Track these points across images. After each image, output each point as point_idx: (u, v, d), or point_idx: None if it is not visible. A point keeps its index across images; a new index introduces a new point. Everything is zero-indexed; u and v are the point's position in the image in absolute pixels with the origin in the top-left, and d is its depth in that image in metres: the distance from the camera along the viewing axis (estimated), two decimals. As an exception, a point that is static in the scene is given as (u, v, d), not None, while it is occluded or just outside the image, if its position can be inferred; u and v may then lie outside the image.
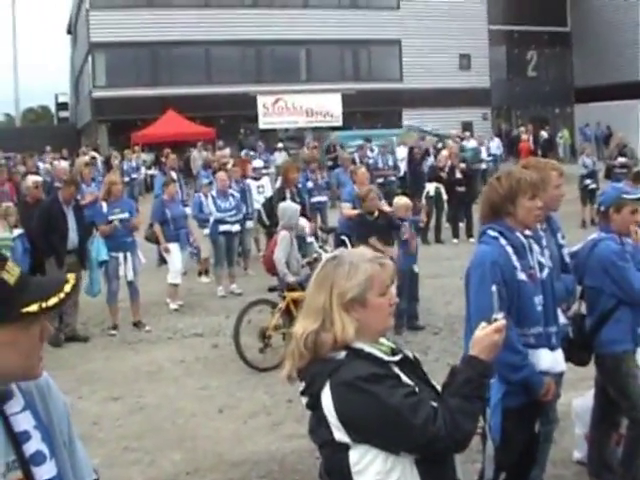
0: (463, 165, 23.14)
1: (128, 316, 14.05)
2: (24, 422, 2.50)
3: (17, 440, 2.46)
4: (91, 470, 2.82)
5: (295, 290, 11.34)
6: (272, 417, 9.39)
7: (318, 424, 3.40)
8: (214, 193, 16.66)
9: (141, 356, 12.36)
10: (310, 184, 20.49)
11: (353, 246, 12.22)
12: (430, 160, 27.73)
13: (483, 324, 3.58)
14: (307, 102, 50.15)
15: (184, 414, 9.67)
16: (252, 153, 34.27)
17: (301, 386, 3.46)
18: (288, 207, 12.55)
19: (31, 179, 15.83)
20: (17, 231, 13.08)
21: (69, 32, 72.08)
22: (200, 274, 17.94)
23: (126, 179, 31.83)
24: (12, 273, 2.40)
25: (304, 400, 3.48)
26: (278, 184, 17.32)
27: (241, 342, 11.23)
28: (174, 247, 15.31)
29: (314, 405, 3.39)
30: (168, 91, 46.36)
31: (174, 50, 48.33)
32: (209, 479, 7.84)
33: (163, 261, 16.45)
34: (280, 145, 39.28)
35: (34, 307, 2.36)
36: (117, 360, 12.18)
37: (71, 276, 2.53)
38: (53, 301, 2.40)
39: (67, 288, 2.46)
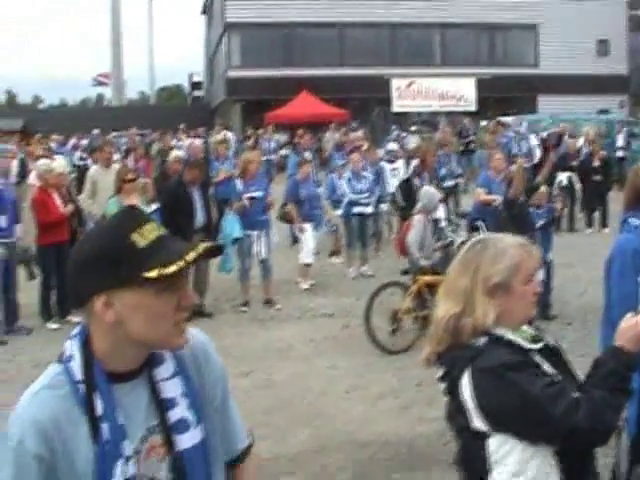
0: (603, 152, 22.63)
1: (259, 294, 14.18)
2: (172, 389, 2.51)
3: (162, 406, 2.48)
4: (244, 435, 2.84)
5: (427, 274, 11.30)
6: (400, 400, 9.37)
7: (456, 411, 3.37)
8: (348, 174, 16.64)
9: (271, 333, 12.47)
10: (444, 168, 20.31)
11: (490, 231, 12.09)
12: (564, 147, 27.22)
13: (629, 315, 3.45)
14: (441, 86, 49.89)
15: (313, 392, 9.74)
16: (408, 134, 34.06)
17: (440, 371, 3.43)
18: (428, 191, 12.55)
19: (174, 154, 16.38)
20: (154, 206, 13.37)
21: (204, 12, 73.00)
22: (332, 254, 17.99)
23: (264, 158, 31.93)
24: (145, 236, 2.34)
25: (442, 386, 3.45)
26: (411, 168, 17.23)
27: (372, 324, 11.23)
28: (308, 227, 15.36)
29: (453, 391, 3.36)
30: (302, 72, 46.63)
31: (308, 31, 48.62)
32: (335, 458, 7.85)
33: (296, 240, 16.54)
34: (413, 128, 39.11)
35: (154, 273, 2.29)
36: (248, 336, 12.32)
37: (201, 246, 2.39)
38: (171, 269, 2.30)
39: (190, 257, 2.33)
